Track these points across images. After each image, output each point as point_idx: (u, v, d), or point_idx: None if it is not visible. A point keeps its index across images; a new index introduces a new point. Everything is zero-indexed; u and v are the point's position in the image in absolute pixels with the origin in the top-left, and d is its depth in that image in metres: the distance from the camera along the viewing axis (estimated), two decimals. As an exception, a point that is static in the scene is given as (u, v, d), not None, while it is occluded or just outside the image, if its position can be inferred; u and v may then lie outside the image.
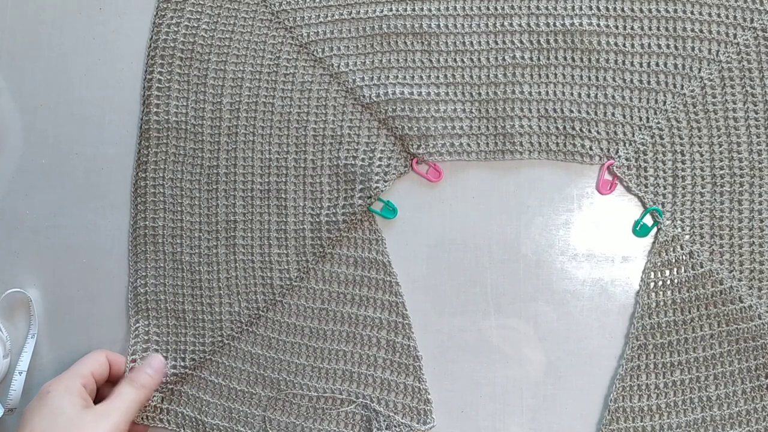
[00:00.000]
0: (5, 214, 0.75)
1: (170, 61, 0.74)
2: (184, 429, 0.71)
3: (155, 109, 0.73)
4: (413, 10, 0.72)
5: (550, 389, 0.69)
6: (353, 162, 0.71)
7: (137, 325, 0.72)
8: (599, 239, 0.71)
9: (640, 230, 0.70)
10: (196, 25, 0.74)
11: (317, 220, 0.71)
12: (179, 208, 0.73)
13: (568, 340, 0.70)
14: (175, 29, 0.74)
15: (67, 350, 0.73)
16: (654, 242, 0.70)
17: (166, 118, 0.73)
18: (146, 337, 0.72)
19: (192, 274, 0.72)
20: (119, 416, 0.65)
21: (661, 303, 0.68)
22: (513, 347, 0.70)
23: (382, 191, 0.71)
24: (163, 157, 0.73)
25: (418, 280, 0.71)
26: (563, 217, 0.71)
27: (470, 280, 0.71)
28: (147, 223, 0.73)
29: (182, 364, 0.71)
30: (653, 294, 0.69)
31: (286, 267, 0.71)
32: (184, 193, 0.73)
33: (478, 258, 0.71)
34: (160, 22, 0.74)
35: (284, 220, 0.71)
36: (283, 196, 0.72)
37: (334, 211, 0.71)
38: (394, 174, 0.71)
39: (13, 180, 0.75)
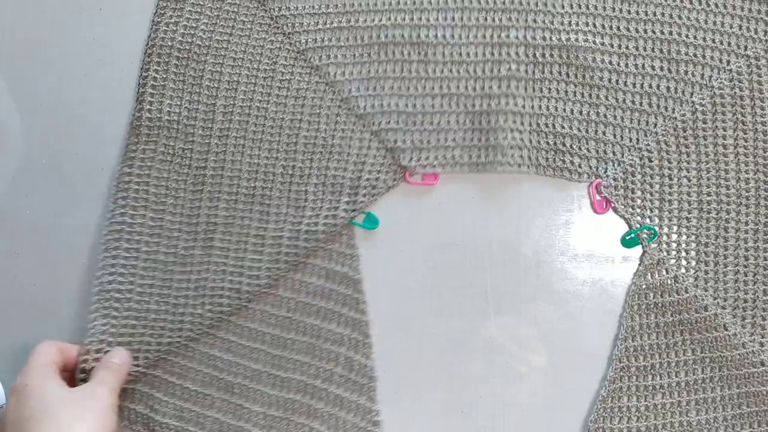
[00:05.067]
0: (5, 214, 0.75)
1: (167, 59, 0.74)
2: (135, 425, 0.70)
3: (148, 107, 0.73)
4: (411, 19, 0.72)
5: (550, 389, 0.69)
6: (342, 174, 0.71)
7: (95, 323, 0.70)
8: (599, 239, 0.71)
9: (629, 240, 0.70)
10: (194, 25, 0.74)
11: (297, 228, 0.71)
12: (162, 207, 0.72)
13: (568, 340, 0.70)
14: (174, 28, 0.74)
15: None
16: (639, 264, 0.70)
17: (159, 116, 0.73)
18: (102, 337, 0.70)
19: (164, 274, 0.71)
20: (107, 395, 0.64)
21: (645, 326, 0.68)
22: (513, 348, 0.70)
23: (367, 205, 0.71)
24: (151, 155, 0.73)
25: (418, 281, 0.71)
26: (563, 217, 0.72)
27: (470, 280, 0.71)
28: (125, 219, 0.72)
29: (135, 363, 0.70)
30: (637, 316, 0.69)
31: (257, 273, 0.70)
32: (168, 192, 0.72)
33: (477, 258, 0.71)
34: (159, 20, 0.74)
35: (264, 226, 0.71)
36: (267, 202, 0.72)
37: (315, 221, 0.71)
38: (382, 188, 0.71)
39: (13, 180, 0.75)
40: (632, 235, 0.70)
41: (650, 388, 0.68)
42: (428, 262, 0.71)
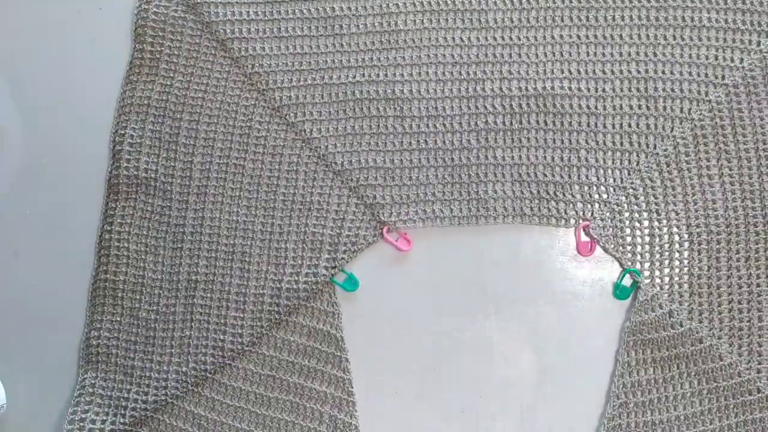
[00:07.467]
0: (5, 214, 0.75)
1: (144, 117, 0.73)
2: None
3: (125, 164, 0.73)
4: (386, 75, 0.71)
5: (549, 389, 0.70)
6: (321, 230, 0.71)
7: (85, 376, 0.71)
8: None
9: (620, 293, 0.70)
10: (169, 83, 0.73)
11: (278, 286, 0.70)
12: (142, 264, 0.72)
13: (568, 341, 0.70)
14: (150, 87, 0.73)
15: (69, 345, 0.73)
16: (633, 301, 0.70)
17: (136, 173, 0.73)
18: (91, 390, 0.70)
19: (147, 331, 0.71)
20: None
21: (641, 361, 0.68)
22: (513, 348, 0.70)
23: (347, 262, 0.71)
24: (131, 212, 0.73)
25: (419, 280, 0.71)
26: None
27: (470, 280, 0.71)
28: (108, 276, 0.72)
29: (122, 420, 0.70)
30: (633, 352, 0.68)
31: (240, 331, 0.70)
32: (148, 249, 0.72)
33: (477, 258, 0.71)
34: (136, 78, 0.73)
35: (245, 284, 0.71)
36: (246, 259, 0.71)
37: (296, 278, 0.70)
38: (362, 244, 0.71)
39: (13, 180, 0.75)
40: (620, 288, 0.70)
41: (650, 423, 0.68)
42: (429, 261, 0.71)
